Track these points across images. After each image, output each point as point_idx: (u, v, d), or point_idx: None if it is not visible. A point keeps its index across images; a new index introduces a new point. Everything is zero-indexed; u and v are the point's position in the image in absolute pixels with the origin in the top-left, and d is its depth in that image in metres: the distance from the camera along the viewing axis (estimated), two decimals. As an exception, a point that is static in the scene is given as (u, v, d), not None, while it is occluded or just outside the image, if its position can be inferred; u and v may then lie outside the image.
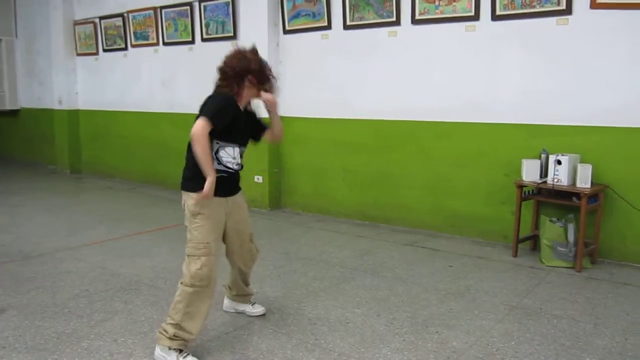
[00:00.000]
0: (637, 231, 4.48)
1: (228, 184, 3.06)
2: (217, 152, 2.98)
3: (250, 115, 3.20)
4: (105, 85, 8.91)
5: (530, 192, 4.73)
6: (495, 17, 4.96)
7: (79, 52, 9.21)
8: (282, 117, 6.72)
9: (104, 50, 8.77)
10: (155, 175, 8.26)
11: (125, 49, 8.41)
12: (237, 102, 3.00)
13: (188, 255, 2.96)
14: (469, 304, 3.72)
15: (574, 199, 4.40)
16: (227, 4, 6.81)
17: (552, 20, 4.68)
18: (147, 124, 8.28)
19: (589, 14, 4.51)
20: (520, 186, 4.66)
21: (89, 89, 9.26)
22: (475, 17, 5.06)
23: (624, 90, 4.43)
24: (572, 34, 4.61)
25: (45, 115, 9.89)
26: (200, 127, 2.82)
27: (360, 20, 5.79)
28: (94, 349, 3.04)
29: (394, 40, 5.60)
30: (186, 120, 7.75)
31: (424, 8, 5.33)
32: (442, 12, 5.24)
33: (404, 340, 3.17)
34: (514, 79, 4.95)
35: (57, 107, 9.47)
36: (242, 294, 3.51)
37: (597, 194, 4.45)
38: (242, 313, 3.52)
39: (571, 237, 4.39)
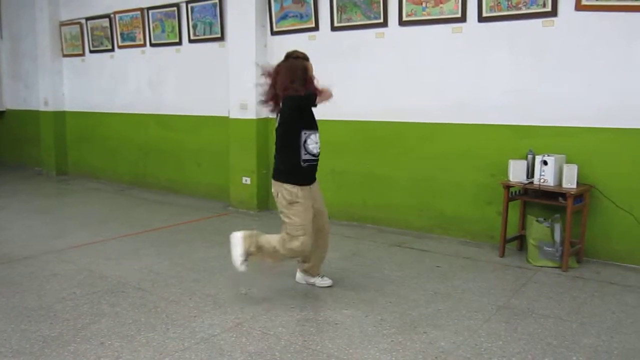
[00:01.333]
0: (622, 231, 4.53)
1: (313, 171, 3.77)
2: (305, 142, 3.64)
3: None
4: (91, 86, 8.85)
5: (517, 192, 4.76)
6: (481, 19, 4.99)
7: (65, 53, 9.15)
8: (270, 119, 6.76)
9: (91, 52, 8.72)
10: (143, 176, 8.22)
11: (112, 50, 8.36)
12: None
13: (289, 234, 3.63)
14: (456, 304, 3.73)
15: (560, 199, 4.43)
16: (214, 5, 6.80)
17: (538, 21, 4.72)
18: (134, 126, 8.24)
19: (575, 15, 4.55)
20: (507, 187, 4.69)
21: (76, 90, 9.20)
22: (462, 18, 5.09)
23: (609, 91, 4.48)
24: (557, 35, 4.65)
25: (31, 117, 9.81)
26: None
27: (348, 21, 5.80)
28: (80, 353, 3.02)
29: (382, 41, 5.62)
30: (173, 121, 7.83)
31: (411, 10, 5.35)
32: (429, 14, 5.26)
33: (392, 340, 3.18)
34: (500, 80, 4.99)
35: (43, 108, 9.40)
36: (314, 268, 4.01)
37: (583, 194, 4.49)
38: (312, 285, 4.03)
39: (557, 237, 4.43)
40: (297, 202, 3.63)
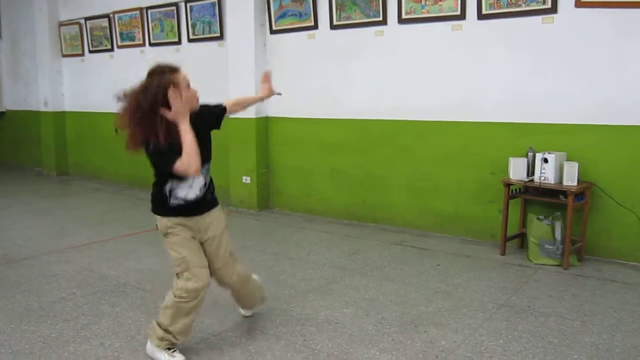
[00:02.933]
0: (623, 228, 4.51)
1: (189, 208, 2.92)
2: (170, 191, 2.85)
3: (197, 120, 2.80)
4: (91, 86, 8.83)
5: (517, 190, 4.75)
6: (481, 16, 4.97)
7: (64, 53, 9.14)
8: (269, 118, 6.76)
9: (90, 52, 8.71)
10: (143, 177, 8.17)
11: (112, 50, 8.36)
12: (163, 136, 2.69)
13: (175, 273, 2.92)
14: (457, 302, 3.72)
15: (561, 197, 4.42)
16: (213, 4, 6.78)
17: (537, 19, 4.70)
18: (134, 126, 8.21)
19: (574, 12, 4.53)
20: (508, 185, 4.68)
21: (75, 91, 9.19)
22: (462, 16, 5.07)
23: (609, 88, 4.46)
24: (557, 32, 4.63)
25: (31, 117, 9.81)
26: (179, 169, 2.67)
27: (347, 20, 5.79)
28: (80, 353, 3.01)
29: (381, 39, 5.61)
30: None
31: (411, 7, 5.33)
32: (428, 12, 5.24)
33: (393, 340, 3.17)
34: (500, 77, 4.97)
35: (43, 109, 9.39)
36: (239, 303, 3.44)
37: (584, 192, 4.48)
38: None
39: (558, 235, 4.42)
40: (169, 234, 2.91)
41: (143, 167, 8.84)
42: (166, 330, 2.89)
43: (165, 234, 2.93)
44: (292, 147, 6.46)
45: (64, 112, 9.36)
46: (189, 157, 2.63)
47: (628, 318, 3.46)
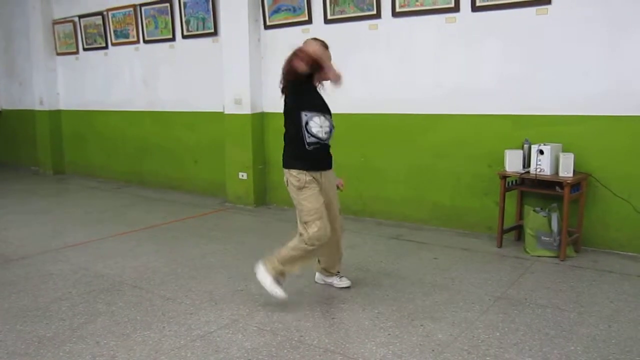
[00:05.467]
0: (619, 219, 4.51)
1: (321, 156, 3.55)
2: (306, 124, 3.43)
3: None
4: (86, 84, 8.82)
5: (514, 182, 4.74)
6: (475, 8, 4.95)
7: (58, 51, 9.11)
8: (265, 113, 6.74)
9: (84, 49, 8.69)
10: (140, 174, 8.20)
11: (106, 47, 8.33)
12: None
13: (304, 222, 3.46)
14: (454, 296, 3.72)
15: (557, 188, 4.41)
16: (206, 0, 6.75)
17: (531, 10, 4.68)
18: (129, 123, 8.22)
19: (568, 3, 4.52)
20: (504, 177, 4.67)
21: (70, 89, 9.17)
22: (456, 8, 5.05)
23: (603, 79, 4.45)
24: (551, 24, 4.61)
25: (26, 116, 9.79)
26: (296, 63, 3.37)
27: (341, 14, 5.76)
28: (75, 353, 3.00)
29: (375, 33, 5.58)
30: (169, 118, 7.79)
31: (404, 0, 5.31)
32: (422, 4, 5.22)
33: (389, 334, 3.16)
34: (495, 69, 4.95)
35: (38, 107, 9.38)
36: (329, 266, 3.88)
37: (580, 183, 4.47)
38: (330, 285, 3.91)
39: (555, 227, 4.41)
40: (305, 187, 3.46)
41: (140, 164, 8.88)
42: (282, 271, 3.52)
43: (302, 188, 3.46)
44: (288, 142, 6.43)
45: (59, 111, 9.35)
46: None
47: (625, 309, 3.45)
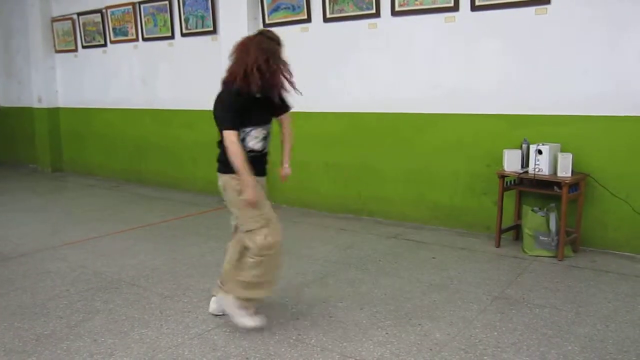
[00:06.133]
0: (618, 219, 4.51)
1: (256, 164, 3.15)
2: (243, 140, 3.07)
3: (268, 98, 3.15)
4: (85, 82, 8.81)
5: (512, 182, 4.74)
6: (474, 8, 4.95)
7: (57, 49, 9.10)
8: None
9: (83, 47, 8.67)
10: (138, 172, 8.19)
11: (105, 45, 8.32)
12: (240, 92, 3.01)
13: (248, 231, 3.08)
14: (452, 295, 3.72)
15: (555, 188, 4.42)
16: (206, -2, 6.76)
17: (530, 10, 4.68)
18: (128, 121, 8.21)
19: (567, 3, 4.52)
20: (502, 176, 4.67)
21: (69, 87, 9.15)
22: (455, 7, 5.05)
23: (602, 79, 4.45)
24: (551, 23, 4.61)
25: (25, 114, 9.77)
26: (230, 141, 2.97)
27: (340, 12, 5.76)
28: (73, 350, 3.00)
29: (374, 32, 5.58)
30: (168, 116, 7.78)
31: (404, -1, 5.32)
32: (421, 3, 5.22)
33: (387, 333, 3.16)
34: (494, 69, 4.96)
35: (36, 105, 9.36)
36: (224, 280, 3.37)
37: (578, 183, 4.47)
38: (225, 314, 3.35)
39: (553, 227, 4.42)
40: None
41: (138, 162, 8.87)
42: (253, 286, 3.12)
43: (241, 192, 3.05)
44: (286, 141, 6.42)
45: (58, 109, 9.33)
46: (232, 155, 2.97)
47: (622, 309, 3.46)
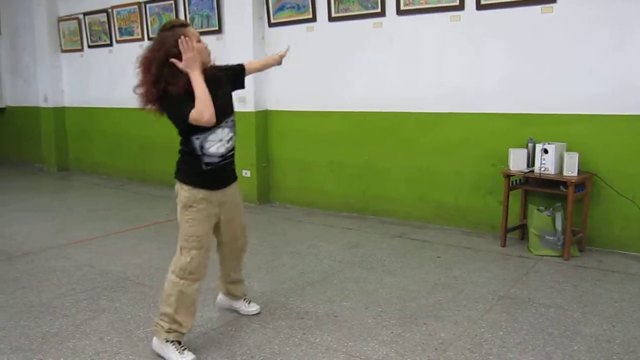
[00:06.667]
0: (624, 218, 4.49)
1: (219, 174, 3.00)
2: (201, 147, 2.88)
3: (216, 80, 2.90)
4: (91, 81, 8.83)
5: (518, 181, 4.73)
6: (480, 7, 4.93)
7: (63, 48, 9.12)
8: (269, 111, 6.73)
9: (89, 47, 8.69)
10: (143, 171, 8.20)
11: (111, 45, 8.33)
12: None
13: (180, 247, 2.93)
14: (457, 294, 3.71)
15: (561, 187, 4.40)
16: (211, -3, 6.77)
17: (536, 9, 4.66)
18: (134, 120, 8.20)
19: (573, 2, 4.50)
20: (508, 176, 4.66)
21: (75, 86, 9.18)
22: (460, 6, 5.03)
23: (608, 78, 4.43)
24: (556, 22, 4.59)
25: (31, 113, 9.79)
26: (197, 112, 2.70)
27: (345, 11, 5.75)
28: (79, 349, 3.01)
29: (379, 31, 5.57)
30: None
31: (409, -2, 5.31)
32: (426, 2, 5.21)
33: (392, 332, 3.16)
34: (499, 68, 4.94)
35: (42, 104, 9.38)
36: (232, 292, 3.40)
37: (584, 182, 4.45)
38: (236, 311, 3.43)
39: (559, 226, 4.40)
40: (192, 207, 2.91)
41: (143, 161, 8.88)
42: (173, 321, 2.84)
43: (189, 207, 2.91)
44: (291, 140, 6.44)
45: (64, 108, 9.36)
46: (200, 102, 2.67)
47: (629, 309, 3.44)
